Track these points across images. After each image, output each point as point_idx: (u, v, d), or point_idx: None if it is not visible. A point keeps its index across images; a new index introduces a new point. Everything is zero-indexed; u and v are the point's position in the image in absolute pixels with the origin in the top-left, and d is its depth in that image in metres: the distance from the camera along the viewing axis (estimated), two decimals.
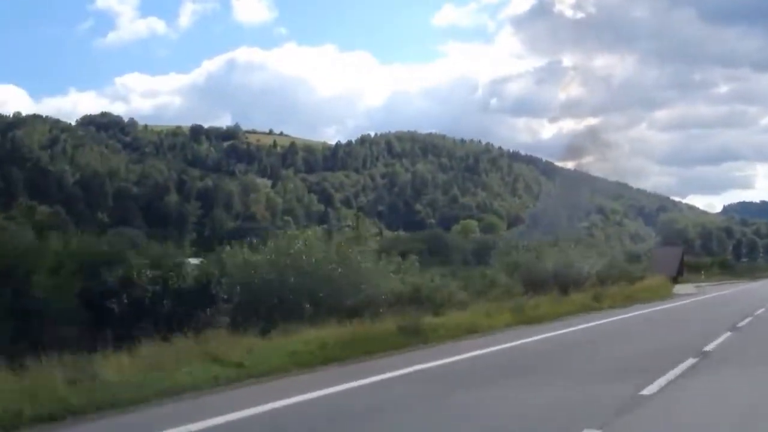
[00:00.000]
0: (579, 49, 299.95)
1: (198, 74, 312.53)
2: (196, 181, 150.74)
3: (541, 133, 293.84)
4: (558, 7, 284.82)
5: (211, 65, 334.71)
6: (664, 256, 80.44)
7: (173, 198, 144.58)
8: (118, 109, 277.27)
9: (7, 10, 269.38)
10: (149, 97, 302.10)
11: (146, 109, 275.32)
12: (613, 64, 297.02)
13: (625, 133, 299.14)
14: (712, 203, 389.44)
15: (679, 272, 76.29)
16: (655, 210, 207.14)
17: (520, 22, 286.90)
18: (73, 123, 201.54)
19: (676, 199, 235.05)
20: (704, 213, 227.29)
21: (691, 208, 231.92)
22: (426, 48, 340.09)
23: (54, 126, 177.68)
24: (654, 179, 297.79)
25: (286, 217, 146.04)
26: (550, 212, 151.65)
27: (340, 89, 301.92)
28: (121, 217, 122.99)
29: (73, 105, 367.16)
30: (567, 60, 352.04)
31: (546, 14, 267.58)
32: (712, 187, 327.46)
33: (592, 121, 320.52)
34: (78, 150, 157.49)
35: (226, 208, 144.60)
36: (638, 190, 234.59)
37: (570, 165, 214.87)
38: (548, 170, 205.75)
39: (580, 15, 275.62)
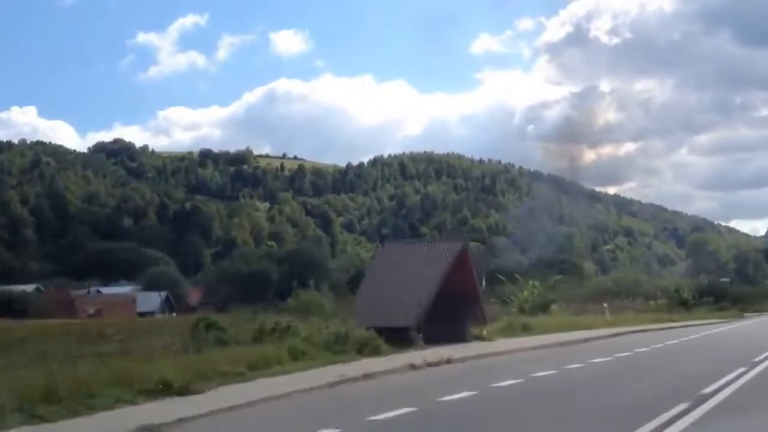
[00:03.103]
0: (616, 74, 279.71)
1: (238, 106, 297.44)
2: (176, 204, 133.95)
3: (580, 159, 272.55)
4: (594, 33, 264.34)
5: (251, 97, 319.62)
6: (405, 269, 28.16)
7: (151, 221, 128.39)
8: (161, 143, 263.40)
9: (51, 48, 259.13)
10: (191, 130, 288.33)
11: (187, 141, 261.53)
12: (652, 89, 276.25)
13: (666, 158, 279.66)
14: (756, 227, 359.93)
15: (465, 312, 29.07)
16: (690, 232, 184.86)
17: (556, 49, 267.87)
18: (86, 150, 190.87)
19: (718, 223, 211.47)
20: (745, 236, 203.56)
21: (732, 230, 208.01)
22: (463, 76, 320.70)
23: (55, 151, 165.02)
24: (698, 204, 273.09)
25: (270, 242, 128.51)
26: (547, 229, 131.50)
27: (379, 119, 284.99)
28: (73, 240, 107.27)
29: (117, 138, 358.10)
30: (604, 85, 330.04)
31: (582, 41, 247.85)
32: (755, 211, 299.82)
33: (631, 146, 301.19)
34: (61, 174, 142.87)
35: (205, 232, 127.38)
36: (674, 212, 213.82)
37: (613, 190, 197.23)
38: (572, 191, 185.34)
39: (615, 40, 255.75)
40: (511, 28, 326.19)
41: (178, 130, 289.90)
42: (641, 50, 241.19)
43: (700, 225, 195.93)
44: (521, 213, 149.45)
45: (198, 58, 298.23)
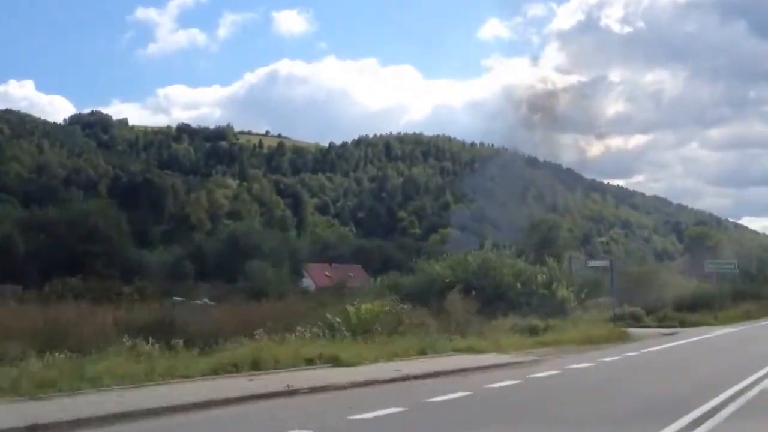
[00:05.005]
0: (627, 64, 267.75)
1: (239, 86, 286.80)
2: (130, 176, 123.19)
3: (587, 150, 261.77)
4: (605, 22, 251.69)
5: (252, 77, 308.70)
6: None
7: (101, 195, 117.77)
8: (160, 121, 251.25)
9: (49, 23, 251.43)
10: (191, 109, 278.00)
11: (186, 120, 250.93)
12: (663, 80, 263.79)
13: (676, 152, 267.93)
14: (767, 226, 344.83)
15: None
16: (693, 226, 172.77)
17: (566, 37, 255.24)
18: (60, 122, 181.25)
19: (726, 219, 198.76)
20: (753, 233, 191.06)
21: (740, 227, 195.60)
22: (470, 62, 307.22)
23: (21, 120, 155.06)
24: (708, 200, 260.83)
25: (227, 221, 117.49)
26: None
27: (382, 103, 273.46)
28: None
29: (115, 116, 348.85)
30: (614, 75, 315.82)
31: (593, 29, 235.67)
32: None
33: (641, 138, 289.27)
34: (12, 142, 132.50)
35: (157, 208, 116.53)
36: (679, 205, 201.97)
37: (621, 183, 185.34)
38: (569, 179, 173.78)
39: (627, 30, 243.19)
40: (521, 14, 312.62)
41: (177, 108, 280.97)
42: (653, 40, 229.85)
43: (706, 220, 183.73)
44: (483, 183, 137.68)
45: (199, 36, 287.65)
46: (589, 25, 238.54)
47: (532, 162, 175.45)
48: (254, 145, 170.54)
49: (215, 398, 12.65)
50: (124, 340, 15.99)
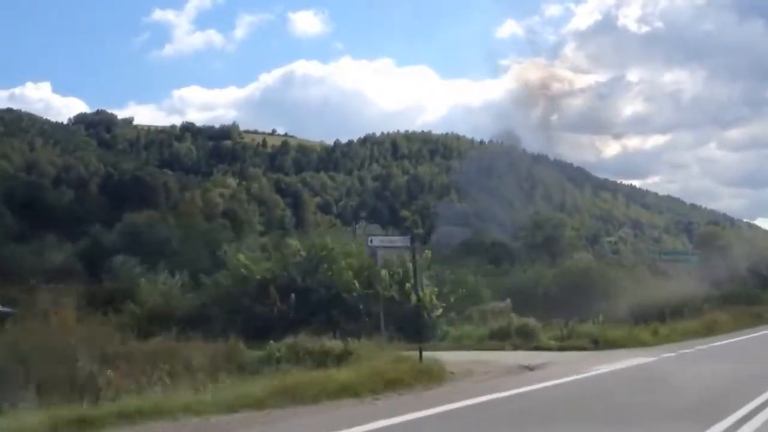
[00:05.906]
0: (645, 64, 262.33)
1: (255, 87, 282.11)
2: (125, 175, 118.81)
3: (604, 151, 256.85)
4: (622, 22, 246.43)
5: (268, 78, 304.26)
6: None
7: (88, 194, 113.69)
8: (175, 123, 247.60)
9: (66, 24, 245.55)
10: (207, 110, 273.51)
11: (202, 121, 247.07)
12: (682, 80, 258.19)
13: (694, 152, 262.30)
14: None
15: None
16: (705, 226, 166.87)
17: (583, 37, 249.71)
18: (65, 121, 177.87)
19: (739, 219, 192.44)
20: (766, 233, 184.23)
21: (753, 227, 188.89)
22: (486, 62, 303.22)
23: (20, 118, 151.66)
24: (725, 201, 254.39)
25: (221, 221, 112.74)
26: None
27: (399, 104, 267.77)
28: None
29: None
30: (632, 75, 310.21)
31: (610, 28, 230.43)
32: None
33: (659, 138, 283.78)
34: (3, 140, 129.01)
35: (148, 206, 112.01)
36: (692, 205, 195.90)
37: (636, 183, 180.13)
38: (579, 178, 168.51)
39: (645, 29, 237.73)
40: (539, 13, 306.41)
41: (192, 110, 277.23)
42: (672, 40, 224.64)
43: (719, 220, 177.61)
44: (489, 182, 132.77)
45: (215, 37, 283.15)
46: (607, 25, 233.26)
47: (541, 160, 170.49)
48: (258, 143, 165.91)
49: None
50: None
